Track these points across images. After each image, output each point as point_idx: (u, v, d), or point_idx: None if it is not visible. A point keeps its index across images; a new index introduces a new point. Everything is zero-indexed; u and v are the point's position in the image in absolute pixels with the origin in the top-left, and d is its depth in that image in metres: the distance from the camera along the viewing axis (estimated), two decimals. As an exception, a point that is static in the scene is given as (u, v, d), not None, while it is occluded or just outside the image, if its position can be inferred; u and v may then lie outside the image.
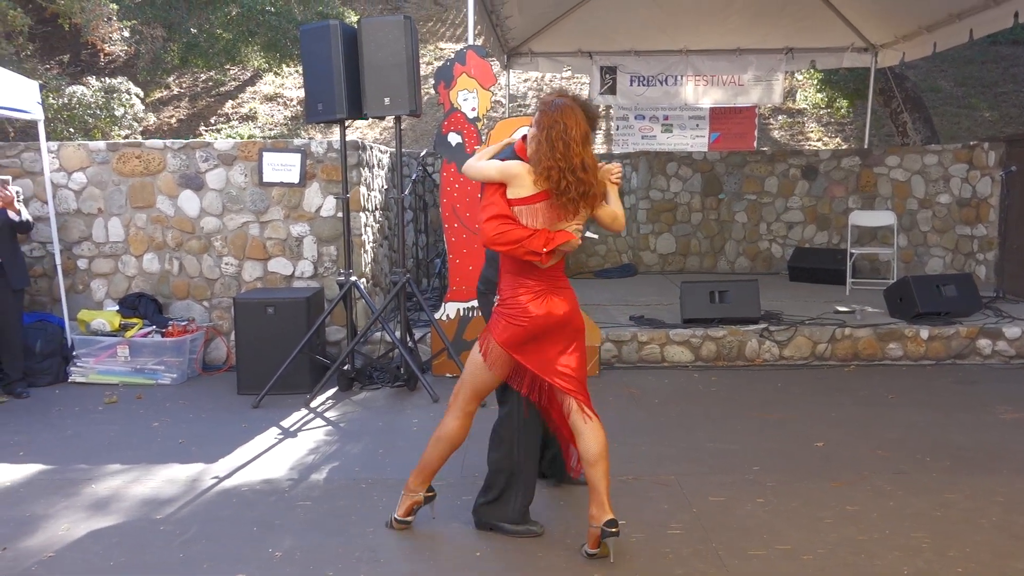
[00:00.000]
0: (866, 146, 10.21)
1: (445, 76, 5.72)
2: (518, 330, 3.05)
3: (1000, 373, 5.90)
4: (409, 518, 3.38)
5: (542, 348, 3.08)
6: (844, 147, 13.73)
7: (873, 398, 5.28)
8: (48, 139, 6.15)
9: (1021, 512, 3.51)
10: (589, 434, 3.07)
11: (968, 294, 6.50)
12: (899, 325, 6.26)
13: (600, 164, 3.08)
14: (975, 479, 3.89)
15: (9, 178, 5.57)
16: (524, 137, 3.15)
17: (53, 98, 10.42)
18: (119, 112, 11.32)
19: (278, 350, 5.38)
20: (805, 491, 3.74)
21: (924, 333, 6.17)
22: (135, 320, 6.03)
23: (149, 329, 5.98)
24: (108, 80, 11.78)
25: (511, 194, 3.03)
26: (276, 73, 16.23)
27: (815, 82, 14.65)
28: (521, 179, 3.00)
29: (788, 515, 3.51)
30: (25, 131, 10.84)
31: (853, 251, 8.18)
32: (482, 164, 3.11)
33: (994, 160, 7.91)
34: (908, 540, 3.27)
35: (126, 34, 12.37)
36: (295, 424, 4.90)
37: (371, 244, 6.50)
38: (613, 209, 3.14)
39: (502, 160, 3.12)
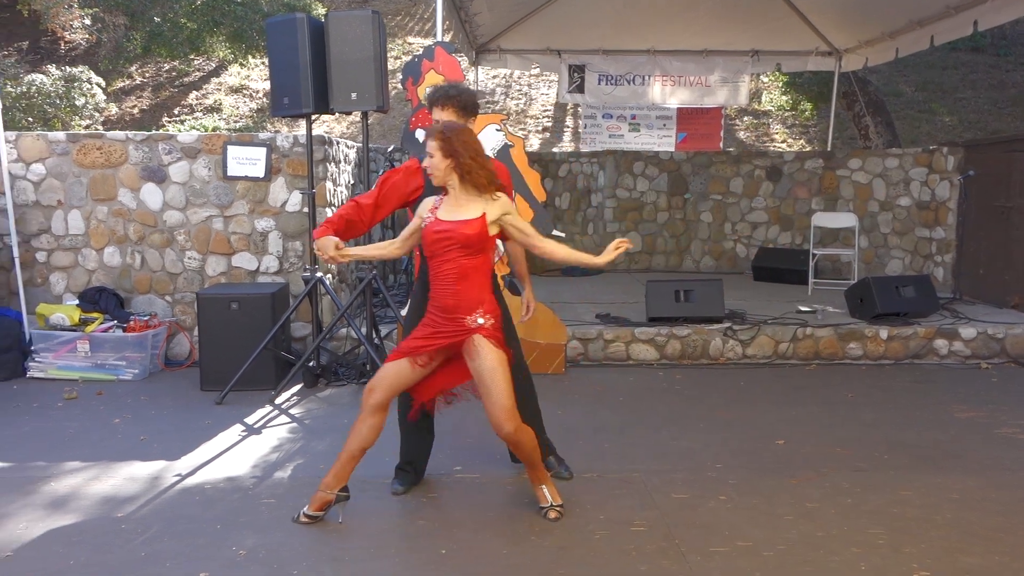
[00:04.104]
0: (829, 148, 10.37)
1: (413, 72, 5.69)
2: None
3: (956, 373, 6.05)
4: None
5: None
6: (808, 149, 13.95)
7: (833, 397, 5.38)
8: (5, 129, 6.02)
9: (973, 509, 3.61)
10: None
11: (926, 295, 6.64)
12: (859, 325, 6.39)
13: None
14: (930, 477, 3.98)
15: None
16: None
17: (11, 86, 10.19)
18: (80, 102, 11.11)
19: (242, 346, 5.32)
20: (766, 488, 3.80)
21: (883, 333, 6.30)
22: (95, 314, 5.91)
23: (110, 324, 5.87)
24: (68, 69, 11.53)
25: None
26: (242, 64, 16.00)
27: (780, 85, 14.85)
28: None
29: (749, 512, 3.57)
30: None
31: (815, 252, 8.31)
32: None
33: (953, 164, 8.09)
34: (865, 536, 3.34)
35: (87, 22, 12.12)
36: (259, 421, 4.86)
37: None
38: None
39: None
